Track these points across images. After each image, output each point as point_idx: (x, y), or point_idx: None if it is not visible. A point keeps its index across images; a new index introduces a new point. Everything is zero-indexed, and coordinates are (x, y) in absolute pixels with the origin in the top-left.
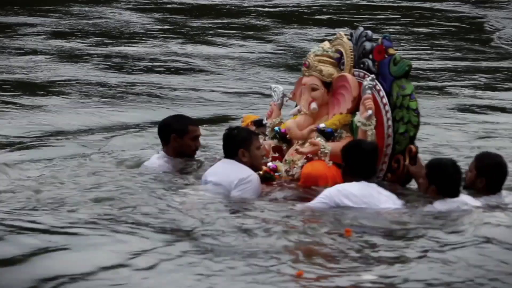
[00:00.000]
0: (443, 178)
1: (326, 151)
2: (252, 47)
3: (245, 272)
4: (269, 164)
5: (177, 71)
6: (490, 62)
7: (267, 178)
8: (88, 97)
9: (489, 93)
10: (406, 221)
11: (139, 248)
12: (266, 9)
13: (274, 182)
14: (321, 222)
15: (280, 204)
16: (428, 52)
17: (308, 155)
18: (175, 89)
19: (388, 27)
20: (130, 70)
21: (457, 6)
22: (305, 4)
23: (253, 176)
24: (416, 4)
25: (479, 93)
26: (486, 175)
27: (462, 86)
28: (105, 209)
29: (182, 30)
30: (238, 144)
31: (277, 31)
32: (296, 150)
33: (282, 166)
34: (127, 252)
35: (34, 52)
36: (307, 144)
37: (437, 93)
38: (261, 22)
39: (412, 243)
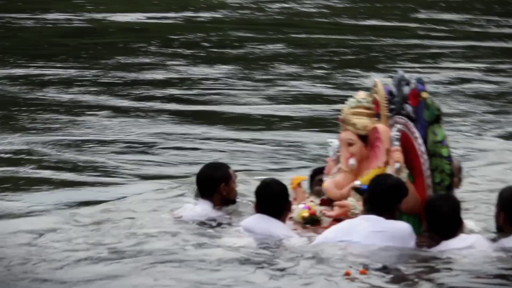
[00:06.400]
0: (436, 217)
1: (356, 212)
2: None
3: None
4: (301, 205)
5: None
6: None
7: (313, 221)
8: None
9: None
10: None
11: None
12: None
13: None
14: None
15: None
16: None
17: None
18: None
19: None
20: None
21: None
22: None
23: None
24: None
25: None
26: (504, 209)
27: None
28: None
29: None
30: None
31: None
32: (324, 213)
33: (314, 206)
34: None
35: None
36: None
37: None
38: None
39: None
